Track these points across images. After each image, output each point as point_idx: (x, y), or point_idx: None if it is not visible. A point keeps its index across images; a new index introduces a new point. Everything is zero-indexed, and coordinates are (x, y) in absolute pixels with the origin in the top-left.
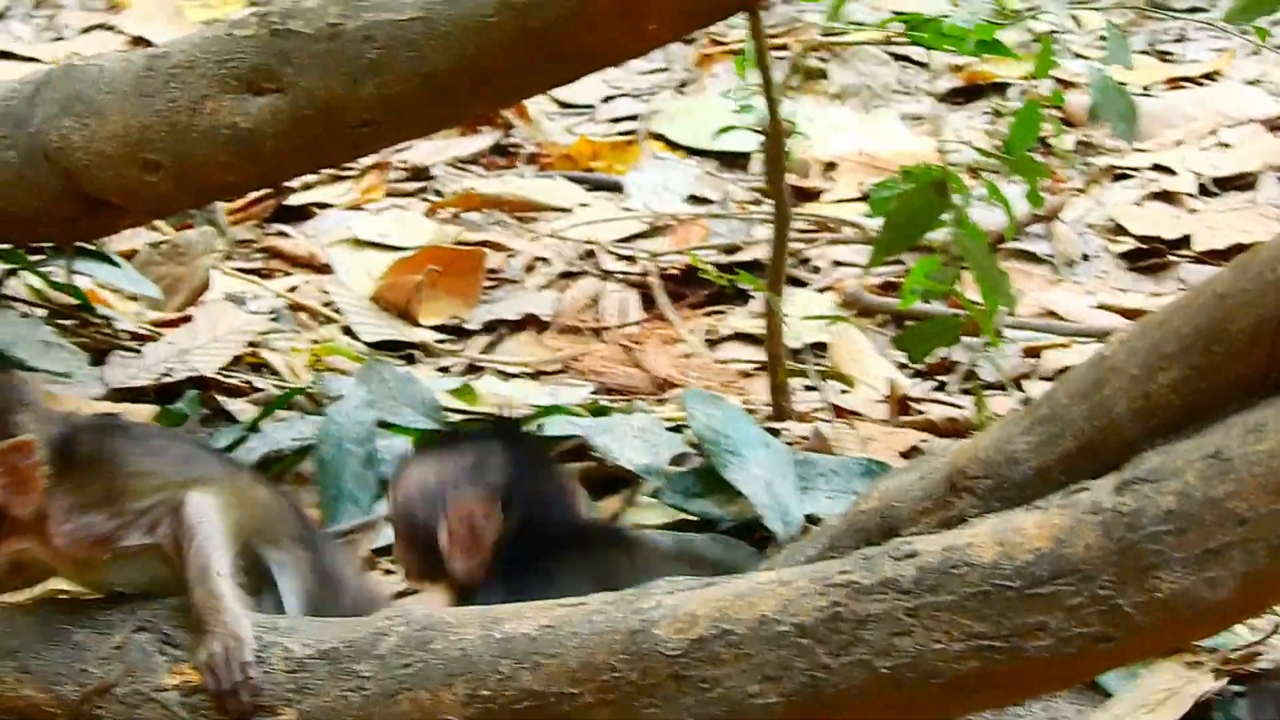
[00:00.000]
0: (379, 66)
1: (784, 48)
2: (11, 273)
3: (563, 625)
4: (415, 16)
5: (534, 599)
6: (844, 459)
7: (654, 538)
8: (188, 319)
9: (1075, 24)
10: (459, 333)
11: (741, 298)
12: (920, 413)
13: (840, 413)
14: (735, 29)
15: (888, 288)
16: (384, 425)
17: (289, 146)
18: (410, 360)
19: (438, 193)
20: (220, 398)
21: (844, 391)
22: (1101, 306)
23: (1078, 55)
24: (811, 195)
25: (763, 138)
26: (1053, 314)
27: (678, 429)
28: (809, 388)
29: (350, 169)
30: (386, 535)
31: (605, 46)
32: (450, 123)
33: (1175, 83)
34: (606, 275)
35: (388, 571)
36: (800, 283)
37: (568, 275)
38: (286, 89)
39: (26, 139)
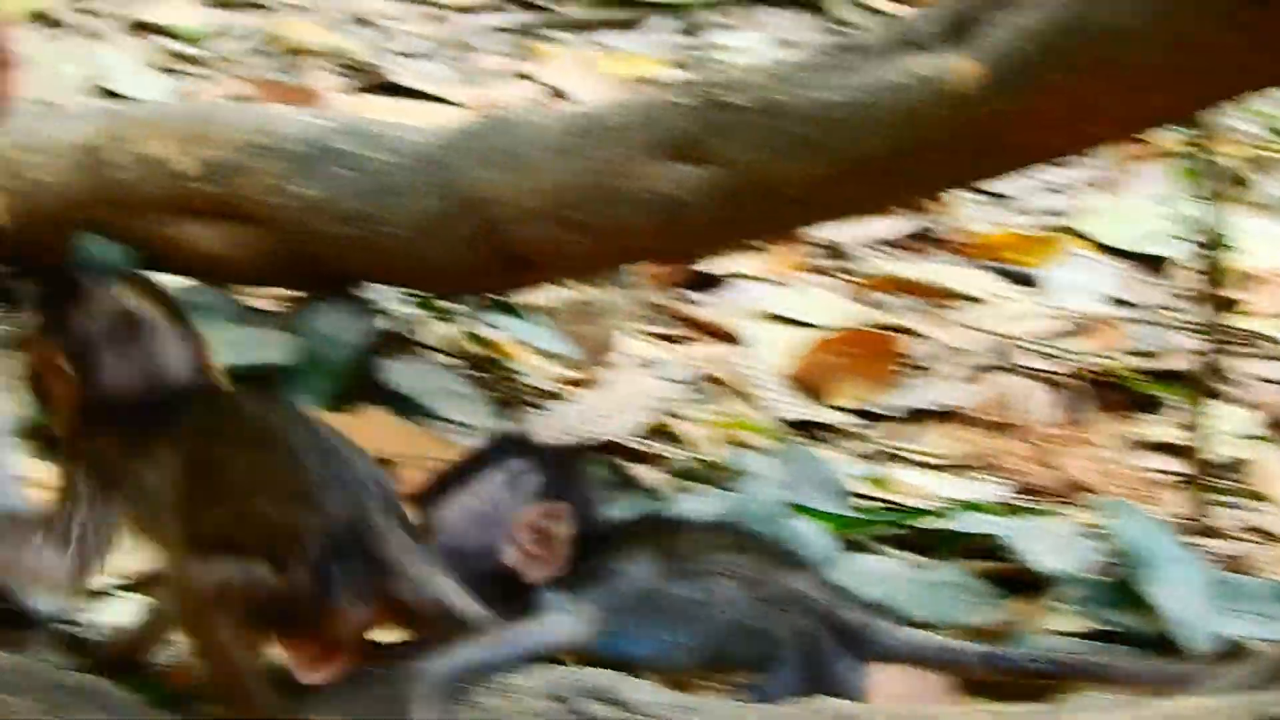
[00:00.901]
0: (814, 146)
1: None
2: (423, 320)
3: None
4: (856, 99)
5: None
6: (1263, 581)
7: (700, 516)
8: (598, 381)
9: None
10: (869, 417)
11: (1157, 406)
12: None
13: (1260, 533)
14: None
15: None
16: (792, 506)
17: (716, 219)
18: (819, 441)
19: (854, 272)
20: (628, 464)
21: (1265, 512)
22: None
23: None
24: (1232, 306)
25: (1190, 245)
26: None
27: (1092, 535)
28: (1228, 505)
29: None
30: None
31: (1045, 145)
32: (880, 208)
33: None
34: (1021, 371)
35: None
36: (1220, 396)
37: (982, 367)
38: (719, 161)
39: (449, 187)
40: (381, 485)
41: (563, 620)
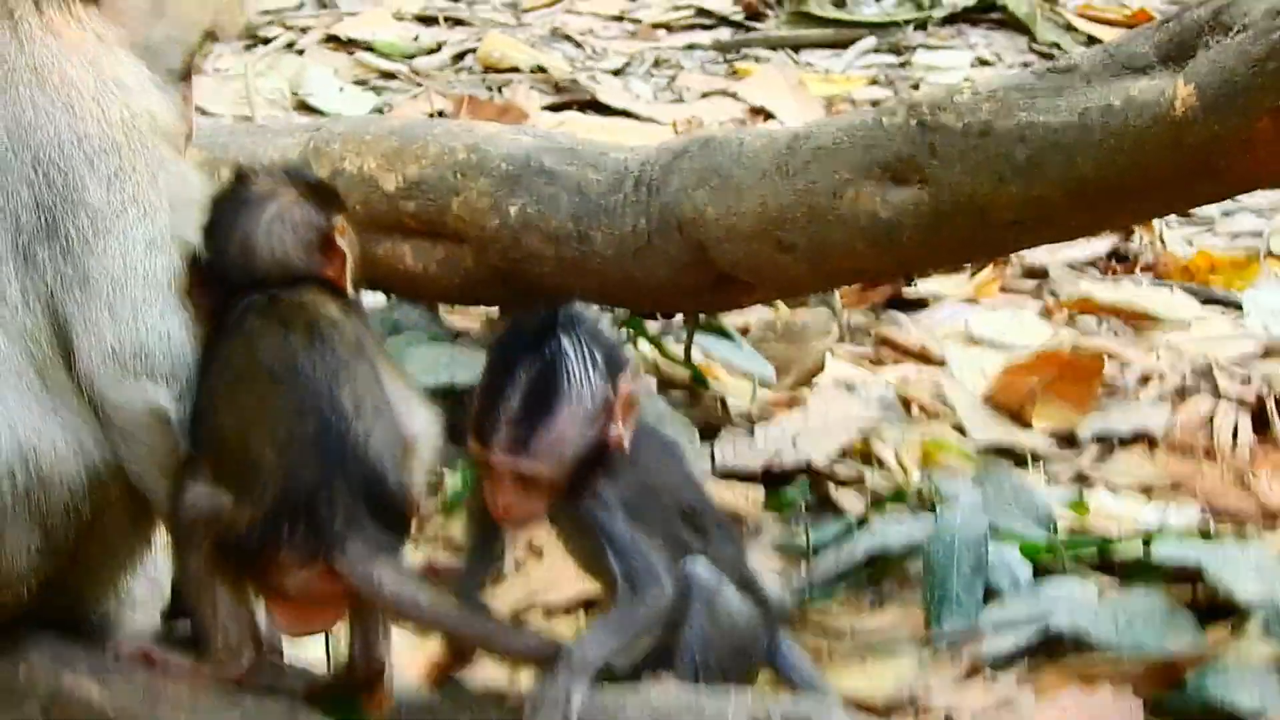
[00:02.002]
0: (1028, 169)
1: None
2: (629, 340)
3: None
4: (1069, 122)
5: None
6: None
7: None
8: (799, 402)
9: None
10: (1070, 441)
11: None
12: None
13: None
14: None
15: None
16: (994, 531)
17: (927, 240)
18: (1020, 464)
19: (1053, 293)
20: (830, 485)
21: None
22: None
23: None
24: None
25: None
26: None
27: None
28: None
29: None
30: (992, 644)
31: (1260, 170)
32: (1091, 231)
33: None
34: (1221, 395)
35: None
36: None
37: (1181, 391)
38: (930, 182)
39: (659, 207)
40: (370, 462)
41: (658, 586)
